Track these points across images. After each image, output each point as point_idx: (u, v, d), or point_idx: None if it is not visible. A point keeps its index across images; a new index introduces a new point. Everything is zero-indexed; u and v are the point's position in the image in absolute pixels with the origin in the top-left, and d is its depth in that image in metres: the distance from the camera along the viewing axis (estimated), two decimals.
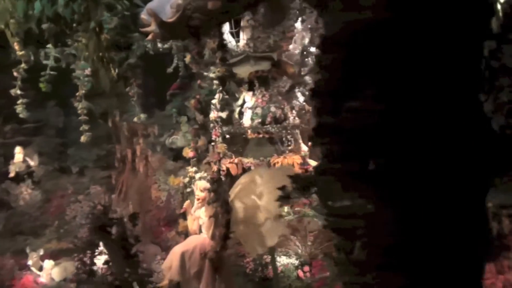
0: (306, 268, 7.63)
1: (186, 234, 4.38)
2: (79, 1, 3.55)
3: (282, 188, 1.98)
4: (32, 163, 8.02)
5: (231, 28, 6.05)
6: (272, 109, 6.79)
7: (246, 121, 6.35)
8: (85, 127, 4.72)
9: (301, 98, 9.45)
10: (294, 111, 9.69)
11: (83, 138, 4.74)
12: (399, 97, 1.48)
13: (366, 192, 1.50)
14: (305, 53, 8.50)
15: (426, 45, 1.49)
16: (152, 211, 7.85)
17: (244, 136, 6.43)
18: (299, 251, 7.79)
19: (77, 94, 4.67)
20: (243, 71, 6.16)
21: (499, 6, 5.19)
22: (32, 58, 4.77)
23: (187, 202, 4.41)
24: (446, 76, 1.52)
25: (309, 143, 9.97)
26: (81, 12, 3.50)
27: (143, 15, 3.09)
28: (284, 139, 9.40)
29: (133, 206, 7.35)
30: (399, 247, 1.50)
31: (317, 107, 1.55)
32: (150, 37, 3.07)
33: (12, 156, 8.04)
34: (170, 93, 8.19)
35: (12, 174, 7.92)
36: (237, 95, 6.59)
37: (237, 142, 6.65)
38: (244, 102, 6.49)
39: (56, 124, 8.16)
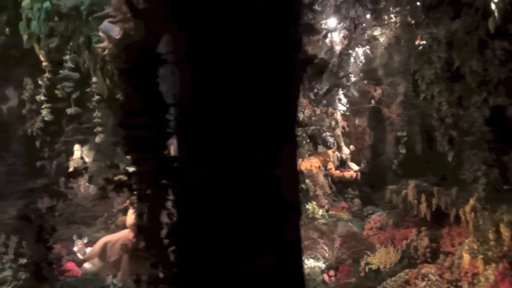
0: (332, 272, 7.64)
1: (124, 227, 4.73)
2: (69, 19, 4.04)
3: (102, 188, 2.21)
4: (87, 159, 8.90)
5: None
6: None
7: None
8: (98, 128, 5.23)
9: (344, 100, 9.35)
10: (337, 113, 9.63)
11: (97, 139, 5.26)
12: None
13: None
14: (342, 55, 8.46)
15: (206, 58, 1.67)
16: None
17: None
18: (326, 254, 7.82)
19: (93, 100, 5.15)
20: None
21: (493, 6, 4.88)
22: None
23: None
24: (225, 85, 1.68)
25: (351, 146, 9.88)
26: (71, 28, 3.99)
27: (100, 33, 3.50)
28: (320, 141, 9.39)
29: None
30: (173, 243, 1.69)
31: (121, 121, 1.79)
32: (106, 52, 3.47)
33: (72, 153, 8.99)
34: None
35: (71, 169, 8.85)
36: None
37: None
38: None
39: (105, 125, 8.94)
